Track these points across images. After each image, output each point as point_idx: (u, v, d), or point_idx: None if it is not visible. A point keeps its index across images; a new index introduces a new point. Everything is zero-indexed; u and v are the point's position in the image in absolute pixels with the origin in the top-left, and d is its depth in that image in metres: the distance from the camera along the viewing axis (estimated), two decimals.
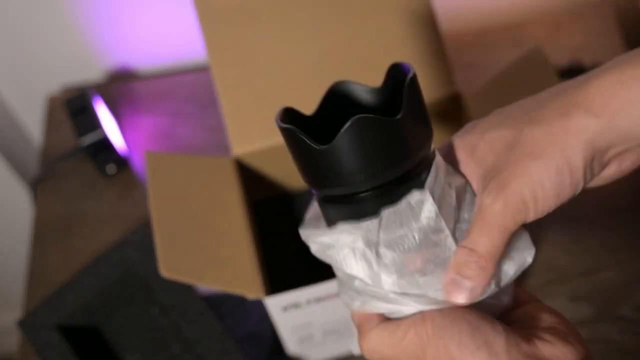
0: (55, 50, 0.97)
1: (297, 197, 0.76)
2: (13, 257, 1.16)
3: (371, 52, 0.68)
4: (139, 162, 0.90)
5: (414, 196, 0.34)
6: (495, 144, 0.35)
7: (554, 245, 0.77)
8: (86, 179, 0.89)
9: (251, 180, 0.70)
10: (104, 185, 0.88)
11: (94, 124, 0.86)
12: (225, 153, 0.80)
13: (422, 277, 0.35)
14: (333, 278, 0.59)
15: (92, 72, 1.00)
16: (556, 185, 0.34)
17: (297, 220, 0.75)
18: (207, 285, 0.58)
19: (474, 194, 0.37)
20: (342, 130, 0.33)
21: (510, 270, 0.36)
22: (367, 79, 0.39)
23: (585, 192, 0.81)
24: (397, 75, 0.36)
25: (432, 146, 0.36)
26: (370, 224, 0.34)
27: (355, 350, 0.39)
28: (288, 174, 0.74)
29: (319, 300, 0.61)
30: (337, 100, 0.37)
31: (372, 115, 0.32)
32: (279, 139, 0.67)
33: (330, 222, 0.37)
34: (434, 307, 0.35)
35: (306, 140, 0.34)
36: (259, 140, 0.67)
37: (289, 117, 0.37)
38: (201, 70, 0.95)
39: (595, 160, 0.34)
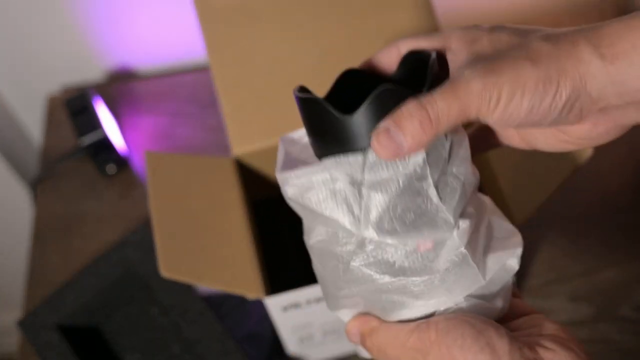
0: (55, 50, 0.97)
1: None
2: (13, 257, 1.16)
3: (371, 52, 0.68)
4: (139, 162, 0.90)
5: None
6: (500, 42, 0.34)
7: (554, 245, 0.77)
8: (86, 179, 0.89)
9: (251, 180, 0.70)
10: (104, 185, 0.88)
11: (94, 124, 0.86)
12: (225, 153, 0.80)
13: (401, 225, 0.34)
14: None
15: (92, 72, 1.00)
16: (535, 97, 0.33)
17: (297, 220, 0.75)
18: (207, 285, 0.58)
19: (468, 149, 0.36)
20: (368, 99, 0.33)
21: (494, 265, 0.36)
22: None
23: (585, 191, 0.80)
24: (412, 62, 0.36)
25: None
26: (354, 160, 0.33)
27: (364, 354, 0.39)
28: None
29: (319, 300, 0.61)
30: (348, 86, 0.37)
31: (397, 87, 0.32)
32: (278, 139, 0.67)
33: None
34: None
35: (330, 109, 0.33)
36: (259, 140, 0.67)
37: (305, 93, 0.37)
38: (201, 70, 0.95)
39: (578, 101, 0.34)
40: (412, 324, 0.35)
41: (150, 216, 0.60)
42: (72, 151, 0.89)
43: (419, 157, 0.33)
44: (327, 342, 0.68)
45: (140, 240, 0.76)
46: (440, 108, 0.32)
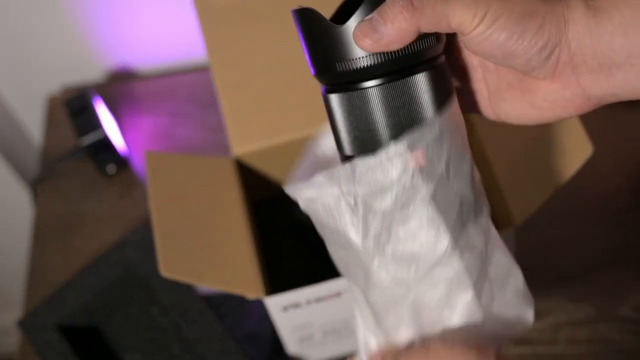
0: (55, 50, 0.97)
1: None
2: (13, 257, 1.16)
3: None
4: (139, 162, 0.90)
5: (390, 149, 0.33)
6: None
7: (554, 245, 0.77)
8: (86, 179, 0.89)
9: (251, 180, 0.70)
10: (104, 185, 0.88)
11: (94, 124, 0.86)
12: (225, 153, 0.80)
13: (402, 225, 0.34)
14: (333, 278, 0.59)
15: (92, 72, 1.00)
16: (518, 26, 0.33)
17: (297, 220, 0.75)
18: (207, 285, 0.58)
19: (472, 166, 0.36)
20: (360, 8, 0.33)
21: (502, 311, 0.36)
22: None
23: (585, 191, 0.80)
24: None
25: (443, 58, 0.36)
26: (344, 174, 0.34)
27: None
28: (288, 174, 0.74)
29: (319, 300, 0.61)
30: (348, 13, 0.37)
31: None
32: (279, 139, 0.67)
33: (336, 126, 0.36)
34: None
35: (324, 19, 0.34)
36: (259, 140, 0.67)
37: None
38: (201, 70, 0.95)
39: (557, 48, 0.33)
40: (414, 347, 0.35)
41: (150, 216, 0.60)
42: (72, 151, 0.89)
43: (410, 168, 0.33)
44: (327, 342, 0.68)
45: (140, 240, 0.76)
46: (425, 5, 0.32)
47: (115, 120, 0.92)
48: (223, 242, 0.61)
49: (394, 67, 0.34)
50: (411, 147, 0.33)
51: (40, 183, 0.90)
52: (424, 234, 0.34)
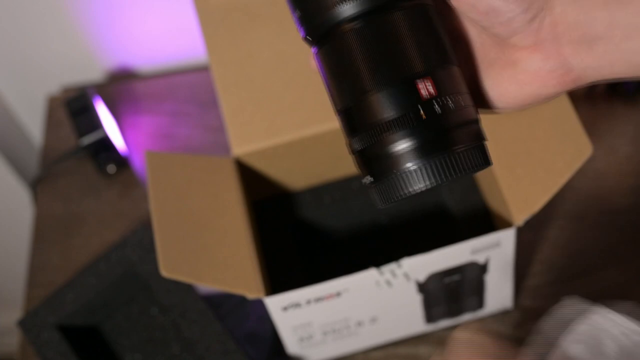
0: (55, 50, 0.97)
1: (297, 197, 0.76)
2: (13, 257, 1.16)
3: None
4: (139, 162, 0.90)
5: None
6: None
7: (554, 245, 0.77)
8: (86, 179, 0.89)
9: (251, 180, 0.70)
10: (104, 185, 0.88)
11: (94, 124, 0.86)
12: (225, 153, 0.80)
13: None
14: (333, 278, 0.59)
15: (92, 72, 1.00)
16: None
17: (297, 220, 0.75)
18: (207, 285, 0.58)
19: None
20: None
21: None
22: None
23: (585, 191, 0.80)
24: None
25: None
26: None
27: None
28: (288, 174, 0.74)
29: (319, 300, 0.61)
30: None
31: None
32: (279, 139, 0.67)
33: (328, 83, 0.36)
34: None
35: None
36: (259, 140, 0.67)
37: None
38: (201, 70, 0.95)
39: (542, 11, 0.33)
40: None
41: (150, 216, 0.60)
42: (72, 151, 0.89)
43: None
44: (327, 342, 0.68)
45: (140, 240, 0.76)
46: None
47: (115, 120, 0.92)
48: (223, 242, 0.61)
49: (371, 5, 0.34)
50: None
51: (40, 183, 0.90)
52: None
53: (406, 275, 0.62)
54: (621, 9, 0.32)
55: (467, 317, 0.71)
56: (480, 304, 0.70)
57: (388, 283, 0.62)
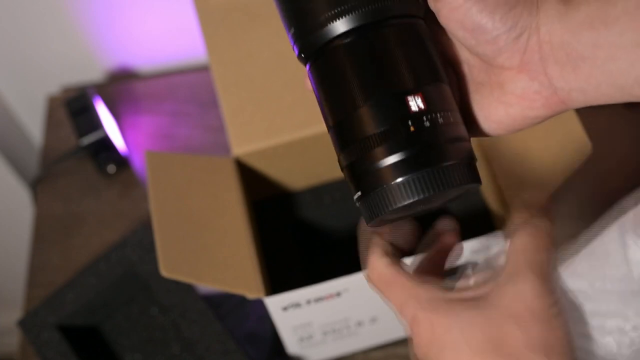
0: (55, 50, 0.97)
1: (297, 197, 0.76)
2: (13, 257, 1.16)
3: None
4: (139, 162, 0.90)
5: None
6: None
7: (554, 245, 0.77)
8: (86, 179, 0.89)
9: (251, 180, 0.70)
10: (104, 185, 0.88)
11: (94, 124, 0.86)
12: (225, 153, 0.80)
13: None
14: (333, 278, 0.59)
15: (92, 72, 1.00)
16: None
17: (297, 220, 0.75)
18: (207, 285, 0.58)
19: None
20: None
21: None
22: None
23: (585, 191, 0.80)
24: None
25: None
26: None
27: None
28: (288, 174, 0.74)
29: (318, 300, 0.61)
30: None
31: None
32: (279, 139, 0.67)
33: (320, 99, 0.36)
34: None
35: None
36: (259, 140, 0.67)
37: None
38: (201, 70, 0.95)
39: (526, 31, 0.34)
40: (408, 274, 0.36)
41: (150, 216, 0.60)
42: (72, 151, 0.89)
43: None
44: (327, 342, 0.68)
45: (140, 240, 0.76)
46: None
47: (115, 120, 0.92)
48: (223, 242, 0.61)
49: (363, 22, 0.34)
50: None
51: (40, 183, 0.90)
52: None
53: None
54: (606, 30, 0.32)
55: None
56: None
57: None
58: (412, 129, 0.33)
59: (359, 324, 0.67)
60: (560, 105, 0.35)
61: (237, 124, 0.67)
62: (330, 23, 0.34)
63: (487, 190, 0.68)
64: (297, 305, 0.61)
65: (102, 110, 0.89)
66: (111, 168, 0.88)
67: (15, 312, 1.01)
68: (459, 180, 0.34)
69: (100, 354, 0.75)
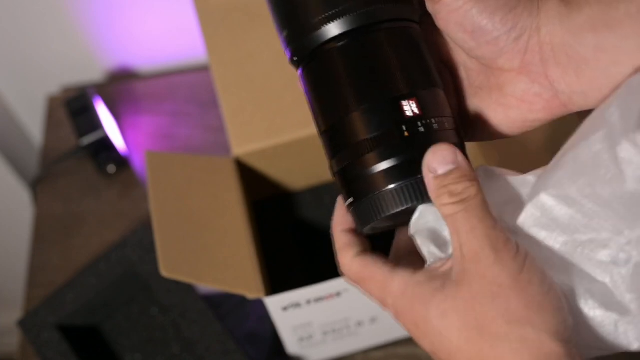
0: (55, 50, 0.97)
1: (297, 197, 0.76)
2: (13, 257, 1.16)
3: None
4: (139, 162, 0.90)
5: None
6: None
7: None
8: (86, 179, 0.89)
9: (251, 180, 0.70)
10: (104, 185, 0.88)
11: (94, 124, 0.86)
12: (225, 153, 0.80)
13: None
14: (333, 278, 0.59)
15: (92, 72, 1.00)
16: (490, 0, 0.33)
17: (297, 220, 0.75)
18: (207, 285, 0.58)
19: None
20: None
21: None
22: None
23: None
24: None
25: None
26: None
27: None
28: (288, 174, 0.74)
29: (318, 300, 0.61)
30: None
31: None
32: (279, 139, 0.67)
33: (312, 102, 0.36)
34: None
35: None
36: (259, 140, 0.67)
37: None
38: (201, 70, 0.95)
39: (527, 32, 0.33)
40: (378, 273, 0.35)
41: (150, 216, 0.60)
42: (72, 151, 0.89)
43: None
44: (327, 342, 0.68)
45: (140, 240, 0.76)
46: None
47: (115, 120, 0.92)
48: (223, 242, 0.61)
49: (355, 25, 0.33)
50: None
51: (40, 183, 0.90)
52: None
53: None
54: (609, 33, 0.31)
55: None
56: None
57: None
58: (406, 134, 0.33)
59: (359, 324, 0.67)
60: (561, 108, 0.35)
61: (237, 124, 0.67)
62: (322, 26, 0.34)
63: None
64: (297, 305, 0.61)
65: (102, 110, 0.89)
66: (111, 168, 0.88)
67: (15, 312, 1.01)
68: None
69: (100, 354, 0.75)
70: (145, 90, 0.96)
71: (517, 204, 0.34)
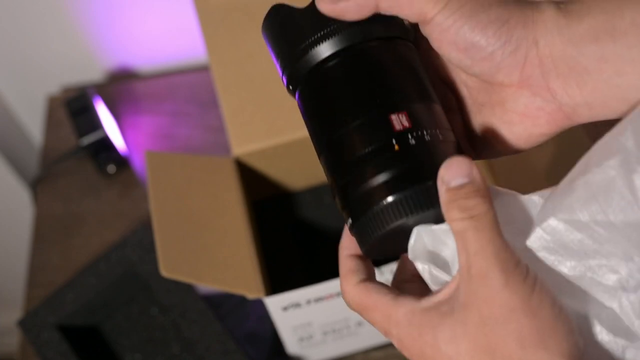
0: (55, 50, 0.97)
1: (297, 197, 0.76)
2: (13, 257, 1.16)
3: None
4: (139, 162, 0.90)
5: None
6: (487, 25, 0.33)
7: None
8: (86, 179, 0.89)
9: (251, 180, 0.70)
10: (104, 185, 0.88)
11: (94, 124, 0.86)
12: (225, 153, 0.80)
13: None
14: (333, 278, 0.59)
15: (92, 72, 1.00)
16: (481, 14, 0.32)
17: (297, 220, 0.75)
18: (207, 285, 0.58)
19: None
20: None
21: None
22: None
23: None
24: None
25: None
26: None
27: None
28: (288, 174, 0.74)
29: (318, 300, 0.61)
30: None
31: None
32: (279, 139, 0.67)
33: (310, 125, 0.35)
34: None
35: (290, 6, 0.34)
36: (259, 140, 0.67)
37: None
38: (201, 70, 0.95)
39: (524, 43, 0.32)
40: (382, 298, 0.33)
41: (150, 216, 0.60)
42: (72, 151, 0.89)
43: None
44: (327, 342, 0.68)
45: (140, 240, 0.76)
46: None
47: (115, 120, 0.92)
48: (223, 242, 0.61)
49: (345, 44, 0.33)
50: None
51: (40, 183, 0.90)
52: None
53: None
54: (613, 42, 0.31)
55: None
56: None
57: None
58: (396, 147, 0.32)
59: (359, 324, 0.67)
60: (565, 121, 0.34)
61: (237, 124, 0.67)
62: (312, 49, 0.34)
63: None
64: (297, 305, 0.61)
65: (102, 110, 0.89)
66: (111, 168, 0.88)
67: (15, 312, 1.01)
68: None
69: (100, 354, 0.75)
70: (145, 90, 0.96)
71: (520, 224, 0.33)
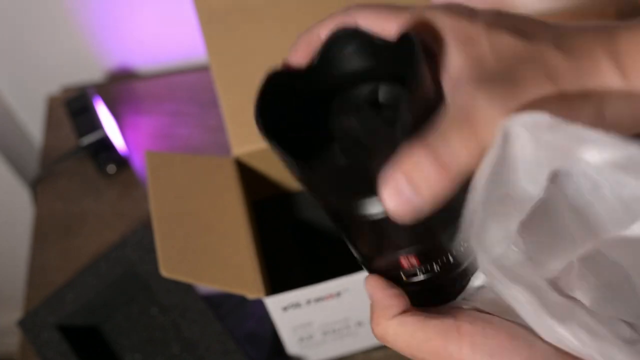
0: (55, 50, 0.97)
1: (297, 197, 0.76)
2: (13, 257, 1.16)
3: None
4: (139, 162, 0.90)
5: None
6: (504, 48, 0.28)
7: None
8: (86, 179, 0.89)
9: (251, 180, 0.70)
10: (104, 185, 0.88)
11: (94, 124, 0.86)
12: (225, 153, 0.80)
13: None
14: (333, 278, 0.59)
15: (92, 72, 1.00)
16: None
17: (297, 220, 0.75)
18: (207, 285, 0.58)
19: None
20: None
21: None
22: None
23: None
24: (363, 46, 0.31)
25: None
26: None
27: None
28: (288, 174, 0.73)
29: (318, 300, 0.61)
30: (342, 49, 0.32)
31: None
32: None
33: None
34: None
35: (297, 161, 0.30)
36: (259, 140, 0.66)
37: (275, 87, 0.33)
38: (201, 70, 0.95)
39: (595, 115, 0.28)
40: (437, 326, 0.30)
41: (150, 216, 0.60)
42: (72, 151, 0.89)
43: None
44: (327, 342, 0.68)
45: (140, 240, 0.76)
46: (457, 152, 0.26)
47: (115, 120, 0.92)
48: (223, 242, 0.61)
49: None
50: None
51: (40, 183, 0.90)
52: None
53: None
54: None
55: None
56: None
57: None
58: (403, 277, 0.33)
59: (359, 324, 0.67)
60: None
61: (237, 124, 0.67)
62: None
63: None
64: (297, 305, 0.61)
65: (102, 110, 0.89)
66: (111, 168, 0.88)
67: (15, 312, 1.01)
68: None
69: (100, 354, 0.75)
70: (145, 90, 0.96)
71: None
